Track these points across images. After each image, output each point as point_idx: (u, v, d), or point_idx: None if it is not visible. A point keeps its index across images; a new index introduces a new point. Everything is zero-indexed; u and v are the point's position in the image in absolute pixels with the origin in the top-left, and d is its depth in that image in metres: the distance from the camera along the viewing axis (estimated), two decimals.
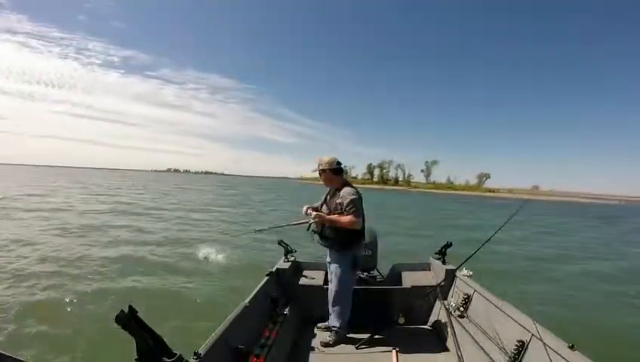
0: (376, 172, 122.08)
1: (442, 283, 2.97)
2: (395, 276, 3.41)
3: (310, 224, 2.77)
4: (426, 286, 3.03)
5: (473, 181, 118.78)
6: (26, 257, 7.05)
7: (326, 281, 3.23)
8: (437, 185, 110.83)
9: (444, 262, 3.25)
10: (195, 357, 1.54)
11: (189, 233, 11.28)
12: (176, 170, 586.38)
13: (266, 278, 2.86)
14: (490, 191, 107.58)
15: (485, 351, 2.25)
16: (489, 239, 2.89)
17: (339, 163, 2.77)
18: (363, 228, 2.68)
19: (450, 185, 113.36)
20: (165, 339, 1.39)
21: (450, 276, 3.07)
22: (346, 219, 2.55)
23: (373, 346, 2.61)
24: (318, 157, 2.81)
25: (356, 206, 2.58)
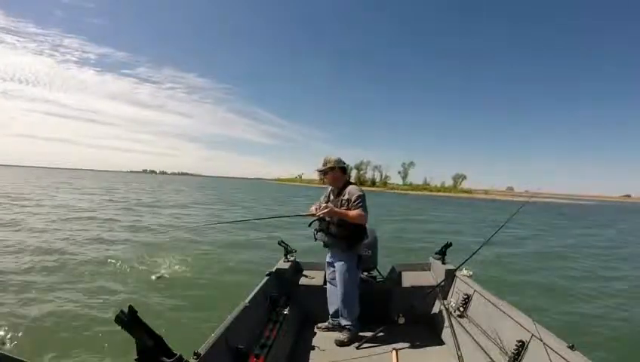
0: (353, 173, 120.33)
1: (442, 283, 2.97)
2: (395, 276, 3.40)
3: (312, 221, 2.77)
4: (425, 286, 3.03)
5: (449, 182, 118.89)
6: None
7: (326, 281, 3.23)
8: (413, 187, 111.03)
9: (444, 262, 3.25)
10: (195, 357, 1.54)
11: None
12: (152, 171, 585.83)
13: (266, 278, 2.86)
14: (465, 192, 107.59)
15: (485, 351, 2.25)
16: (488, 240, 2.89)
17: (344, 162, 2.83)
18: (365, 227, 2.70)
19: (426, 186, 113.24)
20: (165, 339, 1.39)
21: (450, 276, 3.07)
22: (354, 213, 2.59)
23: (373, 346, 2.61)
24: (325, 156, 2.83)
25: (364, 201, 2.63)
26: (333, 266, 2.83)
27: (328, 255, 2.89)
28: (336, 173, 2.77)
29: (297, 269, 3.41)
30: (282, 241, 3.47)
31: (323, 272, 3.35)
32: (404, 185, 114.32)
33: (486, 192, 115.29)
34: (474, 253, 2.90)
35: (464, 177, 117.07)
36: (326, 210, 2.61)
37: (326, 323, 2.91)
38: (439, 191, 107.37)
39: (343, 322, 2.75)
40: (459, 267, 3.08)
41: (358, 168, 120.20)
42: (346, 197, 2.66)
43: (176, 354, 1.38)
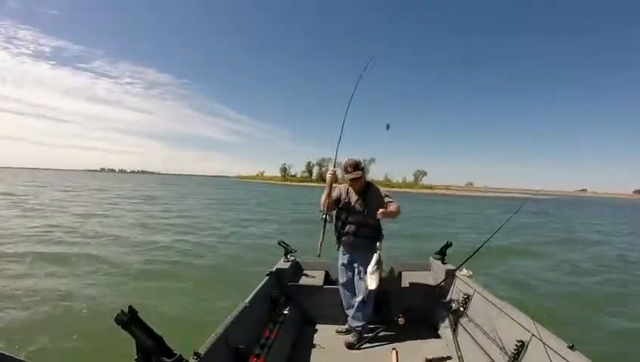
0: (315, 170, 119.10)
1: (442, 283, 2.97)
2: (395, 276, 3.40)
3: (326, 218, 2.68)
4: (425, 286, 3.03)
5: (410, 178, 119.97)
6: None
7: (326, 281, 3.23)
8: (375, 183, 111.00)
9: (443, 262, 3.25)
10: (195, 357, 1.54)
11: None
12: (110, 170, 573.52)
13: (266, 278, 2.86)
14: (427, 187, 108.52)
15: (485, 351, 2.25)
16: (488, 239, 2.89)
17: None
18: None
19: (387, 183, 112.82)
20: (165, 339, 1.39)
21: (450, 276, 3.07)
22: (395, 207, 2.66)
23: (373, 346, 2.61)
24: (348, 159, 2.76)
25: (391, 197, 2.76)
26: (354, 268, 2.75)
27: (346, 256, 2.79)
28: (364, 177, 2.78)
29: (297, 269, 3.41)
30: (282, 241, 3.46)
31: (323, 272, 3.35)
32: (366, 181, 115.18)
33: (447, 188, 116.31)
34: (474, 253, 2.89)
35: (425, 173, 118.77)
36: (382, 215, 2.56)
37: (346, 326, 2.81)
38: (401, 187, 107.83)
39: (355, 323, 2.68)
40: (459, 267, 3.08)
41: (320, 165, 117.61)
42: (374, 197, 2.70)
43: (176, 354, 1.38)
